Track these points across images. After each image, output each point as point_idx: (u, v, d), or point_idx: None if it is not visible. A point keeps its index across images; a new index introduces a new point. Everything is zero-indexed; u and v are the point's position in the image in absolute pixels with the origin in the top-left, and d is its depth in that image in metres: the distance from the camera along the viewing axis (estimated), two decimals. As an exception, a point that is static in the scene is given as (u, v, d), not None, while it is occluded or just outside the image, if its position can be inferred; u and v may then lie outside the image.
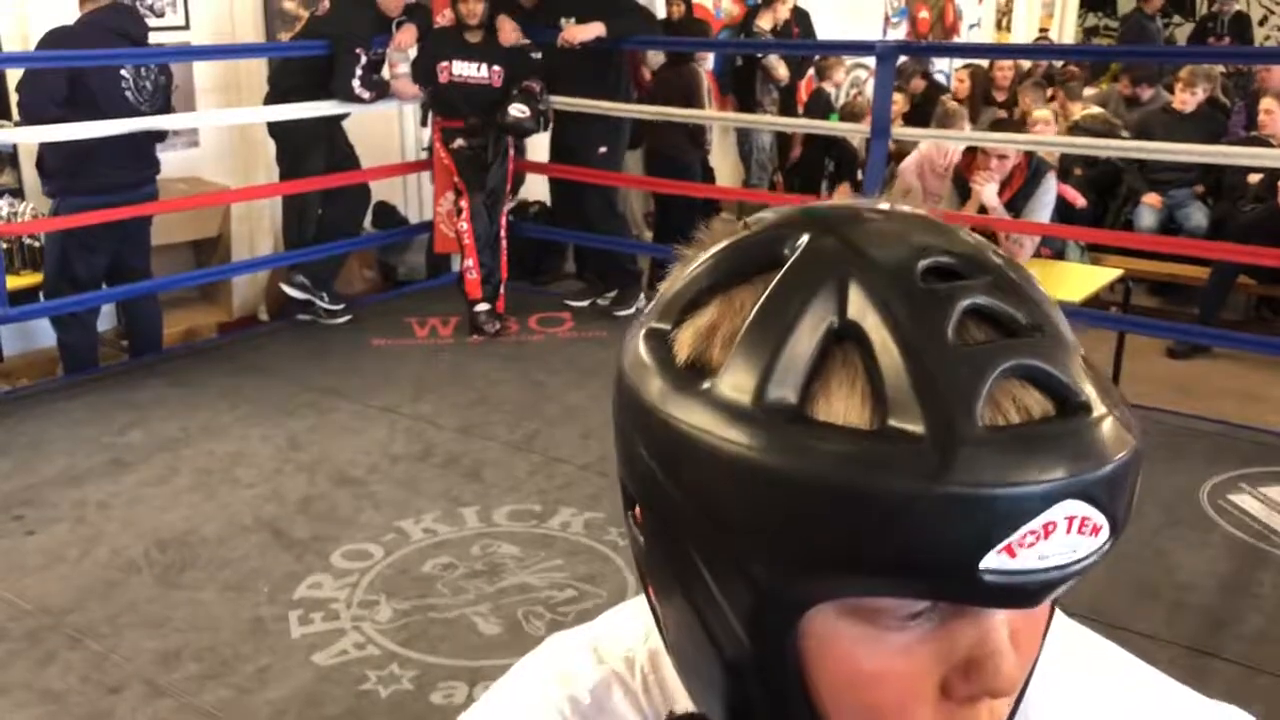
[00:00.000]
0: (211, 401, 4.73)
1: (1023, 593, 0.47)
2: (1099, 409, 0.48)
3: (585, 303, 6.05)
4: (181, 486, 3.99)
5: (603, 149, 5.90)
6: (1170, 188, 6.64)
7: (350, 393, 4.86)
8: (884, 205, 0.56)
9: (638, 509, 0.56)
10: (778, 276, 0.51)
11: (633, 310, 5.96)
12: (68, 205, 4.75)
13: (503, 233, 5.77)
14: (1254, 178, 6.23)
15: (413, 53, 5.66)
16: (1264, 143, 6.06)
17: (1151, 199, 6.61)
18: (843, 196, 6.96)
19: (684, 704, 0.63)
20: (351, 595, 3.32)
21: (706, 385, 0.50)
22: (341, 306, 5.78)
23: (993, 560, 0.45)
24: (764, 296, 0.50)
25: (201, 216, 5.83)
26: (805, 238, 0.52)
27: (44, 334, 5.19)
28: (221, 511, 3.80)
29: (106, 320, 5.44)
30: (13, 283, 4.84)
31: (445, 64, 5.52)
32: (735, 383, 0.49)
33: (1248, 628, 3.25)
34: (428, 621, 3.19)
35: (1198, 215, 6.59)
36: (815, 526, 0.46)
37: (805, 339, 0.49)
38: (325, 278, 5.74)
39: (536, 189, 6.77)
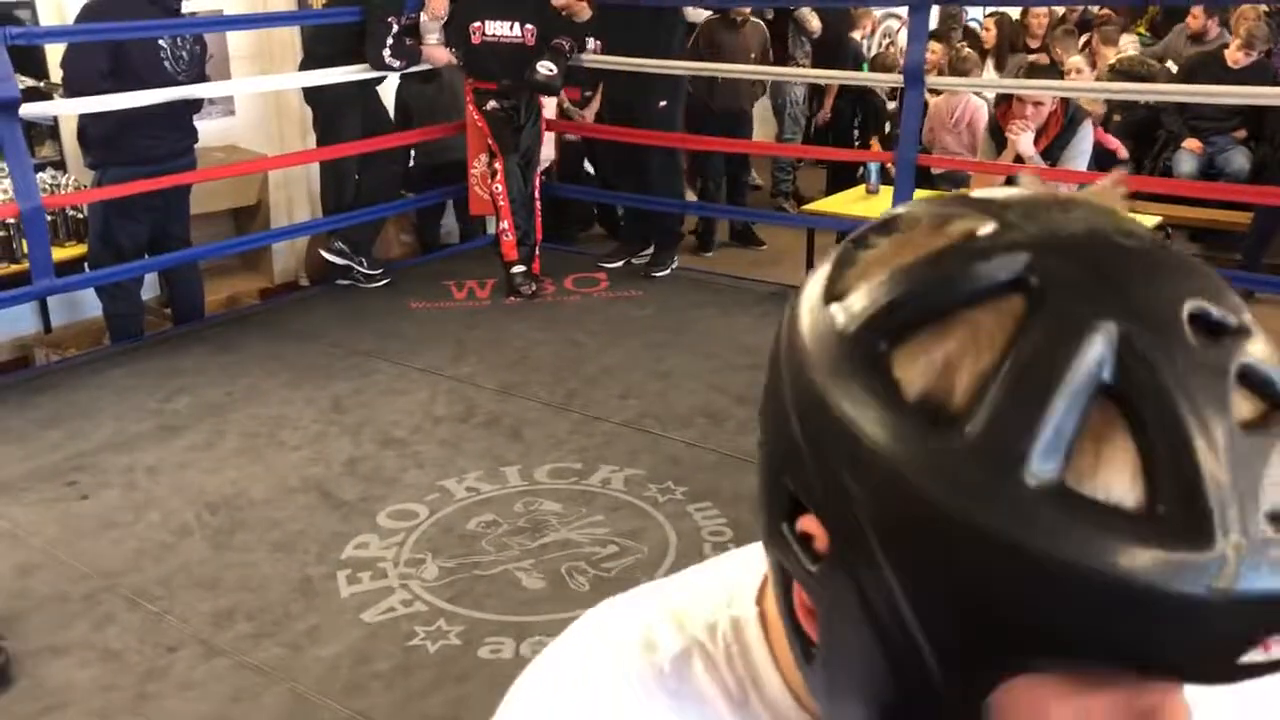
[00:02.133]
0: (255, 366, 4.81)
1: (1257, 674, 0.46)
2: None
3: (620, 263, 6.06)
4: (229, 450, 4.06)
5: (662, 103, 5.90)
6: (1211, 134, 6.54)
7: (391, 355, 4.92)
8: (1095, 203, 0.52)
9: (811, 523, 0.51)
10: (1036, 313, 0.46)
11: (668, 271, 5.97)
12: (109, 176, 4.82)
13: (537, 194, 5.79)
14: (1297, 120, 6.13)
15: (444, 19, 5.66)
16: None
17: (1192, 144, 6.51)
18: (874, 149, 6.92)
19: (767, 676, 0.62)
20: (398, 554, 3.38)
21: (954, 441, 0.45)
22: (380, 271, 5.83)
23: (1251, 655, 0.45)
24: (1020, 339, 0.45)
25: (240, 184, 5.89)
26: (1056, 259, 0.47)
27: (90, 304, 5.28)
28: (269, 474, 3.88)
29: (150, 289, 5.52)
30: (58, 254, 4.92)
31: (478, 24, 5.52)
32: (991, 446, 0.44)
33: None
34: (473, 578, 3.25)
35: (1239, 159, 6.48)
36: (1072, 613, 0.44)
37: (1072, 399, 0.44)
38: (363, 243, 5.79)
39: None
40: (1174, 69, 6.88)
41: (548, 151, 6.07)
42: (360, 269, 5.76)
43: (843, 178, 7.13)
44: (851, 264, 0.51)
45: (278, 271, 6.21)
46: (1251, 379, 0.46)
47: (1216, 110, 6.44)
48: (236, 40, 5.92)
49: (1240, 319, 0.47)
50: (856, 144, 7.56)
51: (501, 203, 5.60)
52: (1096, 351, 0.44)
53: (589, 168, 6.77)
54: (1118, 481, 0.44)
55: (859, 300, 0.49)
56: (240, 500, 3.70)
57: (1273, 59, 6.84)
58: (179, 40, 4.90)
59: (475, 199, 6.07)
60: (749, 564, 0.67)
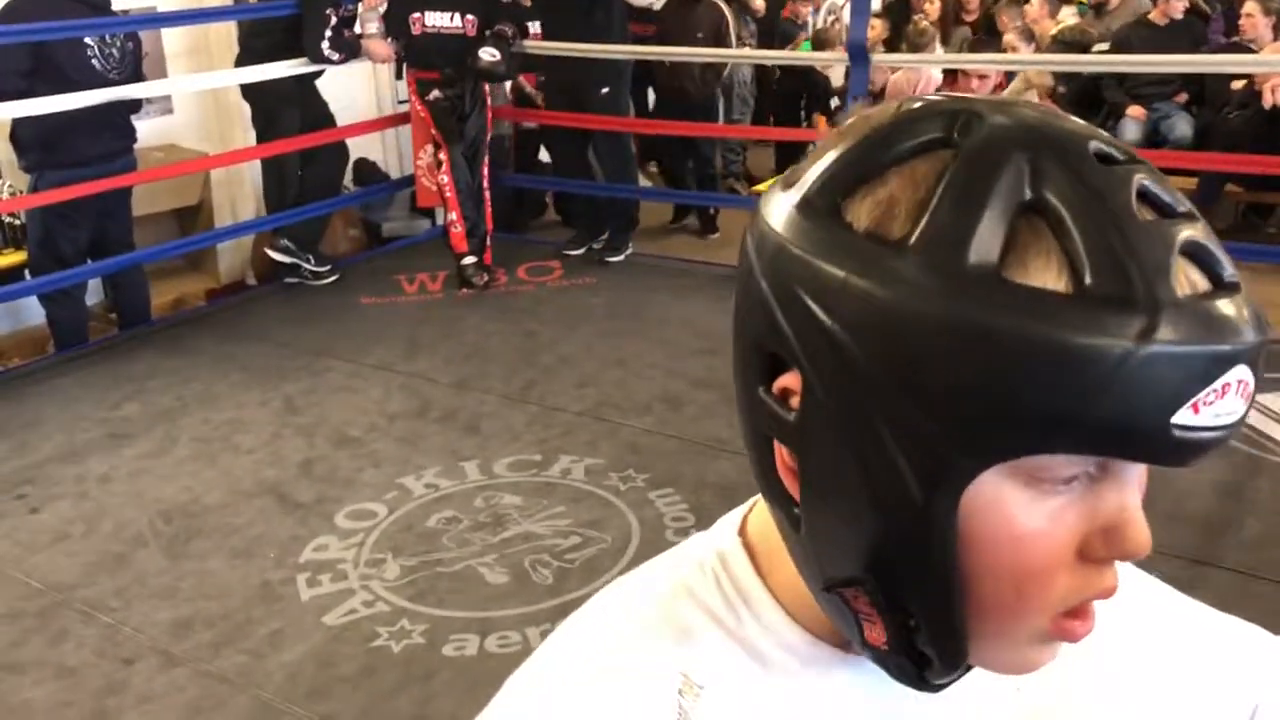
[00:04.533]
0: (205, 369, 4.73)
1: (1196, 448, 0.50)
2: (1244, 288, 0.53)
3: (580, 250, 6.02)
4: (181, 456, 3.99)
5: (605, 89, 5.84)
6: (1153, 100, 6.59)
7: (343, 353, 4.85)
8: (1006, 99, 0.58)
9: (789, 379, 0.56)
10: (964, 150, 0.53)
11: (622, 257, 5.94)
12: (46, 180, 4.71)
13: (485, 183, 5.74)
14: (1237, 84, 6.19)
15: (383, 9, 5.59)
16: (1245, 48, 6.02)
17: (1135, 111, 6.56)
18: (820, 126, 6.93)
19: (758, 596, 0.64)
20: (358, 555, 3.34)
21: (901, 253, 0.51)
22: (328, 268, 5.75)
23: (1182, 416, 0.49)
24: (951, 169, 0.52)
25: (182, 184, 5.79)
26: (976, 118, 0.54)
27: (33, 312, 5.17)
28: (223, 479, 3.81)
29: (94, 294, 5.42)
30: (-3, 262, 4.82)
31: (418, 15, 5.45)
32: (933, 250, 0.51)
33: (1246, 534, 3.29)
34: (435, 576, 3.22)
35: (1182, 125, 6.55)
36: (1021, 384, 0.49)
37: (997, 211, 0.50)
38: (309, 239, 5.71)
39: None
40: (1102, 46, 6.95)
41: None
42: (307, 266, 5.68)
43: (791, 157, 7.12)
44: (801, 162, 0.59)
45: (224, 271, 6.11)
46: (1149, 197, 0.52)
47: (1156, 75, 6.50)
48: (172, 37, 5.81)
49: (1133, 155, 0.54)
50: (805, 123, 7.55)
51: (449, 194, 5.54)
52: (1015, 174, 0.51)
53: (545, 156, 6.70)
54: (1048, 276, 0.50)
55: (811, 175, 0.57)
56: (195, 507, 3.64)
57: (1212, 24, 6.92)
58: (107, 38, 4.78)
59: (423, 191, 6.01)
60: (720, 526, 0.70)
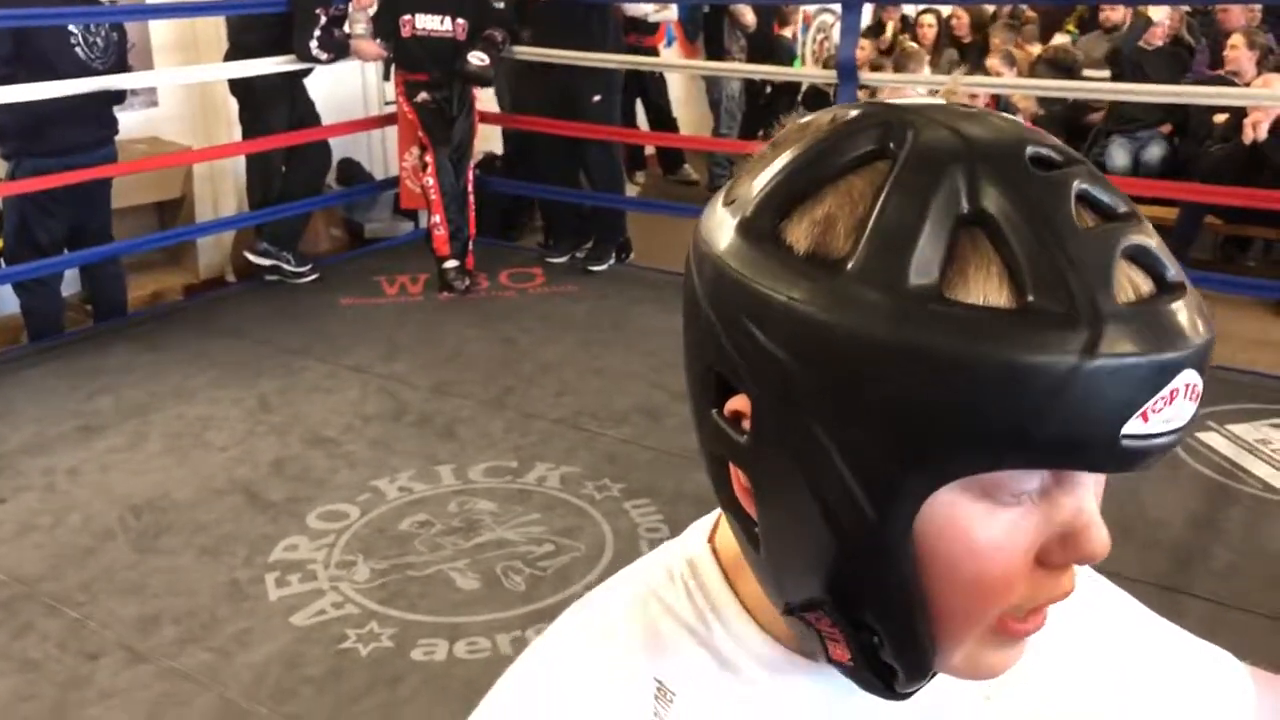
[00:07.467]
0: (180, 365, 4.69)
1: (1147, 455, 0.50)
2: (1189, 288, 0.52)
3: (563, 258, 6.01)
4: (153, 451, 3.96)
5: (597, 97, 5.85)
6: (1139, 127, 6.65)
7: (320, 353, 4.83)
8: (943, 102, 0.57)
9: (739, 401, 0.56)
10: (898, 165, 0.52)
11: (605, 266, 5.94)
12: (24, 168, 4.67)
13: (470, 188, 5.73)
14: (1220, 117, 6.24)
15: (373, 10, 5.58)
16: (1229, 82, 6.07)
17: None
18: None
19: (726, 604, 0.64)
20: (328, 556, 3.31)
21: (841, 275, 0.51)
22: (308, 267, 5.72)
23: (1132, 426, 0.49)
24: (888, 185, 0.51)
25: (163, 178, 5.75)
26: (911, 129, 0.53)
27: (7, 301, 5.12)
28: (194, 475, 3.78)
29: (70, 285, 5.37)
30: (-29, 250, 4.77)
31: (408, 18, 5.45)
32: (874, 271, 0.50)
33: (1217, 563, 3.30)
34: (406, 579, 3.20)
35: (1157, 150, 6.61)
36: (968, 405, 0.48)
37: (937, 226, 0.50)
38: (289, 238, 5.68)
39: (497, 142, 6.70)
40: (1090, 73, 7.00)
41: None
42: (286, 266, 5.65)
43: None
44: (741, 175, 0.59)
45: (203, 267, 6.07)
46: (1088, 199, 0.52)
47: (1141, 106, 6.55)
48: (160, 29, 5.78)
49: (1071, 155, 0.53)
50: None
51: (433, 197, 5.53)
52: (952, 187, 0.50)
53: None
54: (989, 289, 0.50)
55: (749, 193, 0.56)
56: (165, 502, 3.61)
57: (1195, 57, 6.99)
58: (92, 26, 4.75)
59: (407, 193, 5.99)
60: (691, 533, 0.70)
